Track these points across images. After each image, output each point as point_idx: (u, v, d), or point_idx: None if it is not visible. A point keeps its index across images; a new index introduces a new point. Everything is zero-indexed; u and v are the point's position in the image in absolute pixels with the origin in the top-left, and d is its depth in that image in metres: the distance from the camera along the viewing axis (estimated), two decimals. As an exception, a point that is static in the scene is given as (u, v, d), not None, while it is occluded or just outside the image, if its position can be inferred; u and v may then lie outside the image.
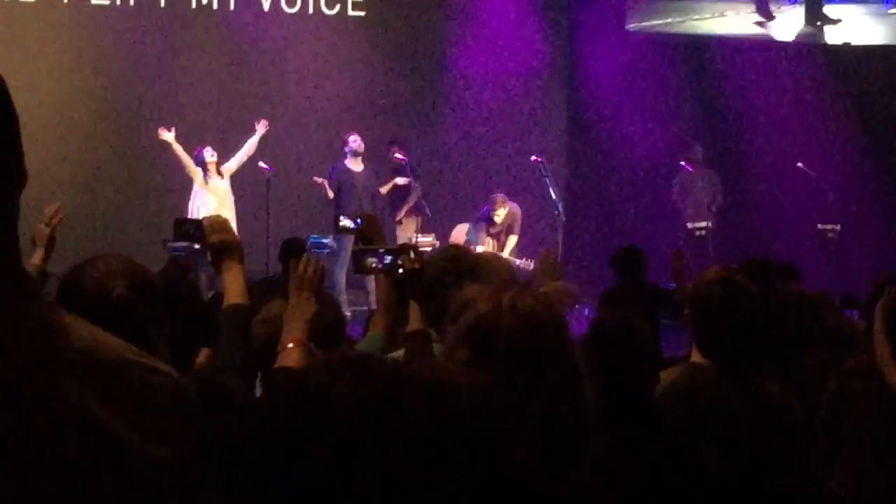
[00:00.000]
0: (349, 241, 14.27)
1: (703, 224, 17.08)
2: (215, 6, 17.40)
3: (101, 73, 16.92)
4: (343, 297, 14.56)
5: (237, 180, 15.57)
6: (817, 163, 17.26)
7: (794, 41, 18.95)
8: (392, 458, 1.51)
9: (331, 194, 15.51)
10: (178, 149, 15.31)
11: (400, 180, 16.11)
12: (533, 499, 1.70)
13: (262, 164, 15.63)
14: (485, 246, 15.93)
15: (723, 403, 4.35)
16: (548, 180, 16.27)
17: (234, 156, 15.50)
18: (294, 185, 16.55)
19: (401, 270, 4.68)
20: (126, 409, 1.53)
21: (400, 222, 15.88)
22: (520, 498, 1.59)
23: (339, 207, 15.02)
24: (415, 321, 4.54)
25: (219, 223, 4.55)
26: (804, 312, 6.44)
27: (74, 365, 1.53)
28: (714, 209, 17.49)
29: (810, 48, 18.91)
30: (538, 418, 2.95)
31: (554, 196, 16.24)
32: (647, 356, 3.99)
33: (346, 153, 15.76)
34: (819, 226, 16.53)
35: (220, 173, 15.38)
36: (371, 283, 13.12)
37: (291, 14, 17.66)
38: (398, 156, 16.15)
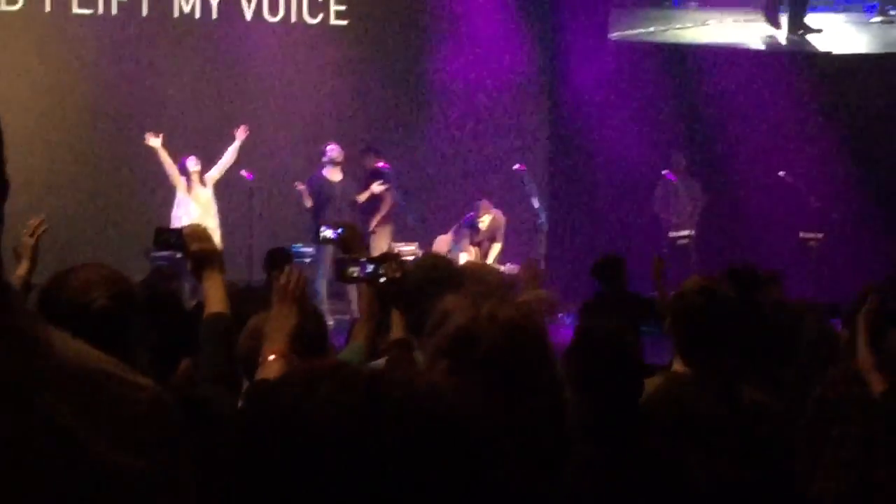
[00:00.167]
0: (329, 250, 14.27)
1: (686, 233, 17.11)
2: (198, 15, 17.40)
3: (84, 83, 16.89)
4: (325, 307, 14.55)
5: (220, 189, 15.56)
6: (799, 172, 17.31)
7: (776, 50, 18.99)
8: (371, 467, 1.51)
9: (308, 203, 15.50)
10: (164, 155, 15.30)
11: (376, 187, 16.06)
12: (514, 509, 1.70)
13: (244, 172, 15.62)
14: (468, 254, 15.95)
15: (705, 412, 4.35)
16: (531, 189, 16.29)
17: (216, 165, 15.51)
18: (277, 194, 16.54)
19: (382, 279, 4.68)
20: (102, 422, 1.53)
21: (373, 232, 15.79)
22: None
23: (317, 217, 15.03)
24: (397, 330, 4.54)
25: (199, 232, 4.54)
26: (787, 321, 6.46)
27: (52, 378, 1.53)
28: (696, 218, 17.52)
29: (792, 57, 18.96)
30: (520, 428, 2.94)
31: (536, 205, 16.26)
32: (632, 366, 3.99)
33: (324, 163, 15.75)
34: (801, 234, 16.57)
35: (203, 182, 15.37)
36: (353, 291, 13.12)
37: (274, 23, 17.66)
38: (380, 164, 16.14)
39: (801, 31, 18.90)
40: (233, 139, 15.64)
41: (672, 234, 17.17)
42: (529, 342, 3.09)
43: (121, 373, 1.59)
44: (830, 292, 12.64)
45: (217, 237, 14.38)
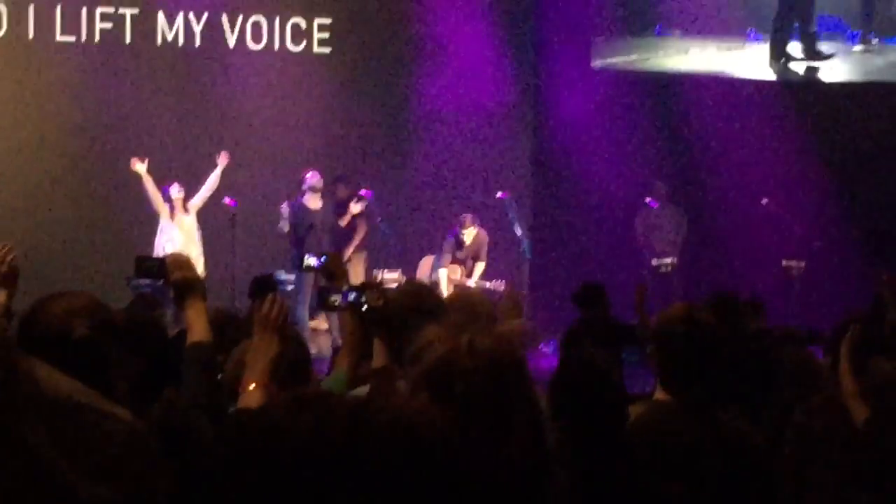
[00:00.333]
0: (310, 277, 14.27)
1: (669, 260, 17.12)
2: (181, 43, 17.39)
3: (66, 110, 16.86)
4: (307, 334, 14.53)
5: (202, 216, 15.56)
6: (782, 199, 17.36)
7: (758, 78, 19.06)
8: (352, 496, 1.51)
9: (286, 229, 15.47)
10: (149, 181, 15.31)
11: (355, 206, 16.04)
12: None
13: (227, 199, 15.61)
14: (449, 270, 15.94)
15: (686, 441, 4.35)
16: (513, 216, 16.31)
17: (198, 192, 15.51)
18: (260, 222, 16.51)
19: (365, 307, 4.68)
20: (79, 453, 1.52)
21: (349, 260, 15.73)
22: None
23: (298, 245, 15.03)
24: (379, 358, 4.54)
25: (181, 260, 4.53)
26: (768, 349, 6.47)
27: (29, 409, 1.53)
28: (679, 245, 17.55)
29: (774, 85, 19.03)
30: (500, 458, 2.93)
31: (519, 232, 16.27)
32: (615, 398, 3.99)
33: (304, 190, 15.72)
34: (784, 262, 16.60)
35: (186, 209, 15.37)
36: (334, 319, 13.11)
37: (257, 51, 17.66)
38: (362, 192, 16.15)
39: (816, 58, 18.93)
40: (215, 166, 15.64)
41: (655, 261, 17.18)
42: (508, 373, 3.08)
43: (99, 405, 1.59)
44: (812, 320, 12.66)
45: (200, 265, 14.37)
